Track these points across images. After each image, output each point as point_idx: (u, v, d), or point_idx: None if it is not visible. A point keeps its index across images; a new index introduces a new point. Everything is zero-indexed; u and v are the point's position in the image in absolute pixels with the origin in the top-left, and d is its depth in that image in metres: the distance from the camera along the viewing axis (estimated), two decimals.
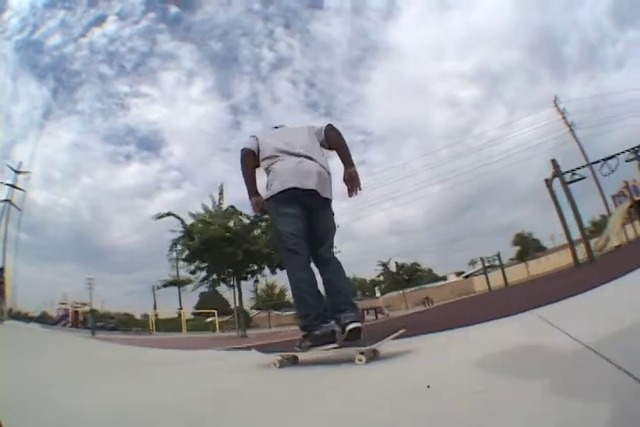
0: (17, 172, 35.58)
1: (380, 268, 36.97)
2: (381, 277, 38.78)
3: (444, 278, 45.20)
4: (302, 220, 2.12)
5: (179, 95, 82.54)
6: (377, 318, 14.18)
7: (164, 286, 13.51)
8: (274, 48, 78.85)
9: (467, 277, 39.03)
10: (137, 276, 70.74)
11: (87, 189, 71.61)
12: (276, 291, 32.97)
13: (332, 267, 2.12)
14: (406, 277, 35.10)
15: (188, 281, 13.33)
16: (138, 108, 76.27)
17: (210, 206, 12.64)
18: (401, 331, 2.16)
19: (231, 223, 12.33)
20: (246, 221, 12.53)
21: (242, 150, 2.26)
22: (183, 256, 12.28)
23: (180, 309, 29.08)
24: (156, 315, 29.95)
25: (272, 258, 12.06)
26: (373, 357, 1.90)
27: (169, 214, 12.16)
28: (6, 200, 38.25)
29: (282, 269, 12.14)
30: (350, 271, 36.57)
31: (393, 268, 36.05)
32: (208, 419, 1.09)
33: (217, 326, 25.61)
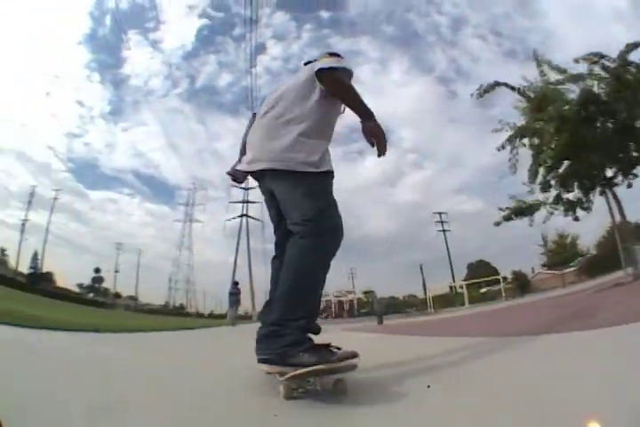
0: (246, 189, 39.89)
1: None
2: None
3: None
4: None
5: (383, 84, 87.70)
6: None
7: (507, 218, 10.33)
8: (442, 12, 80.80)
9: None
10: (395, 259, 75.27)
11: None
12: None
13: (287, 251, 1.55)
14: None
15: (536, 206, 10.13)
16: None
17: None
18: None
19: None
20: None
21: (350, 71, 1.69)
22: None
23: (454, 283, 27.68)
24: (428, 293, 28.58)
25: None
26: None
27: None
28: (243, 215, 44.06)
29: None
30: None
31: None
32: None
33: (502, 294, 22.95)
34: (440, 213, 39.68)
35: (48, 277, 43.35)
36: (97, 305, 33.12)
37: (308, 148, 1.58)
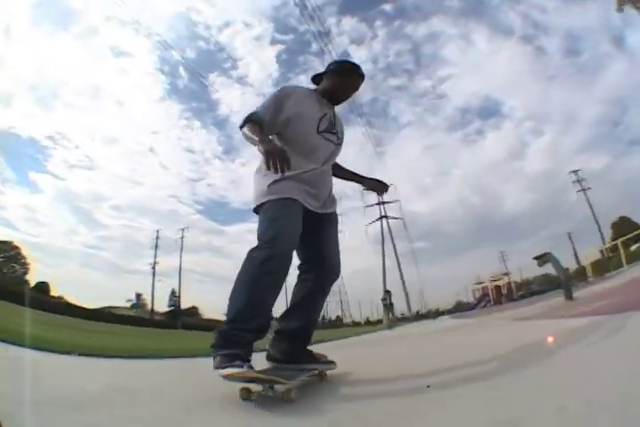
0: (380, 203, 41.56)
1: None
2: None
3: None
4: None
5: (474, 58, 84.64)
6: None
7: None
8: None
9: None
10: (542, 234, 73.11)
11: (460, 178, 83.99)
12: None
13: None
14: None
15: None
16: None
17: None
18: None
19: None
20: None
21: None
22: None
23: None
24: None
25: None
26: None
27: None
28: (382, 217, 43.31)
29: None
30: None
31: None
32: None
33: None
34: (576, 171, 36.57)
35: (192, 311, 46.53)
36: None
37: (256, 184, 1.84)
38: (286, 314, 1.84)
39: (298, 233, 1.68)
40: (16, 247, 38.99)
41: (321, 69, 2.01)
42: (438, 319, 20.16)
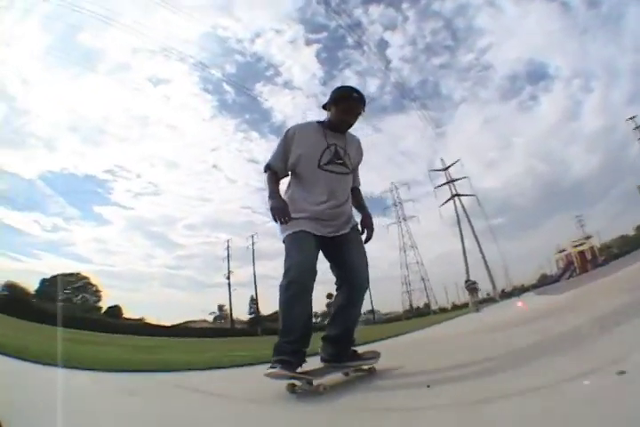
0: (444, 169, 42.84)
1: None
2: None
3: None
4: None
5: (507, 24, 76.10)
6: None
7: None
8: None
9: None
10: (613, 193, 65.50)
11: (524, 148, 77.83)
12: None
13: None
14: None
15: None
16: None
17: None
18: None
19: None
20: None
21: None
22: None
23: None
24: None
25: None
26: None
27: None
28: (454, 196, 42.42)
29: None
30: None
31: None
32: None
33: None
34: (632, 118, 33.62)
35: (275, 316, 48.18)
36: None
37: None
38: (328, 323, 2.14)
39: (311, 259, 1.96)
40: (84, 277, 40.12)
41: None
42: (523, 296, 19.26)
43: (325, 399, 1.63)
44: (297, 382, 1.79)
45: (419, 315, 42.31)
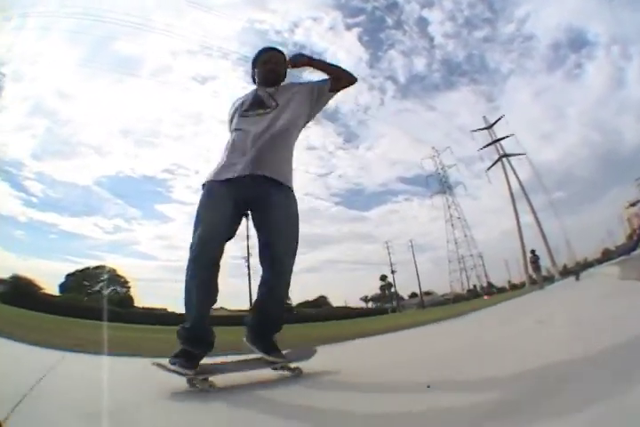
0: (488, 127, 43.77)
1: None
2: None
3: None
4: None
5: None
6: None
7: None
8: None
9: None
10: None
11: (577, 118, 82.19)
12: None
13: None
14: None
15: None
16: None
17: None
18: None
19: None
20: None
21: None
22: None
23: None
24: None
25: None
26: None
27: None
28: (502, 156, 42.47)
29: None
30: None
31: None
32: None
33: None
34: None
35: (320, 301, 49.72)
36: (381, 313, 35.59)
37: None
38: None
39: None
40: (111, 270, 41.38)
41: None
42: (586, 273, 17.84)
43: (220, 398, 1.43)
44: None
45: (476, 296, 41.09)
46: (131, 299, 38.39)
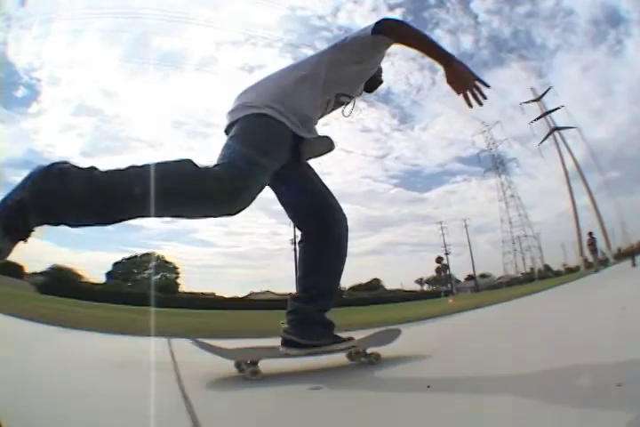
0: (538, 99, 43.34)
1: None
2: None
3: None
4: None
5: None
6: None
7: None
8: None
9: None
10: None
11: (626, 94, 77.61)
12: None
13: None
14: None
15: None
16: None
17: None
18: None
19: None
20: None
21: None
22: None
23: None
24: None
25: None
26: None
27: None
28: (553, 129, 41.55)
29: None
30: None
31: None
32: None
33: None
34: None
35: (374, 284, 49.67)
36: (436, 296, 33.97)
37: None
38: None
39: None
40: (160, 257, 41.53)
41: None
42: None
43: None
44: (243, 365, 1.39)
45: (530, 279, 39.34)
46: (176, 284, 39.16)
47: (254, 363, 1.36)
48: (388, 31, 1.43)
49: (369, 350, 1.59)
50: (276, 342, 1.53)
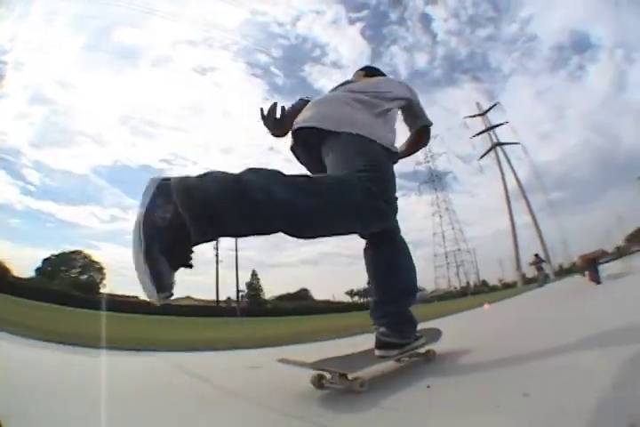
0: (480, 115, 43.67)
1: None
2: None
3: None
4: None
5: None
6: None
7: None
8: None
9: None
10: None
11: (577, 119, 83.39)
12: None
13: None
14: None
15: None
16: None
17: None
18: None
19: None
20: None
21: None
22: None
23: None
24: None
25: None
26: None
27: None
28: (495, 145, 41.99)
29: None
30: None
31: None
32: None
33: None
34: None
35: (302, 294, 48.18)
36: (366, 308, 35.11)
37: None
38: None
39: None
40: (87, 256, 40.70)
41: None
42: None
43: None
44: (326, 374, 1.33)
45: (466, 293, 40.13)
46: (98, 285, 38.44)
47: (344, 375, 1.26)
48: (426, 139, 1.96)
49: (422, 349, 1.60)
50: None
